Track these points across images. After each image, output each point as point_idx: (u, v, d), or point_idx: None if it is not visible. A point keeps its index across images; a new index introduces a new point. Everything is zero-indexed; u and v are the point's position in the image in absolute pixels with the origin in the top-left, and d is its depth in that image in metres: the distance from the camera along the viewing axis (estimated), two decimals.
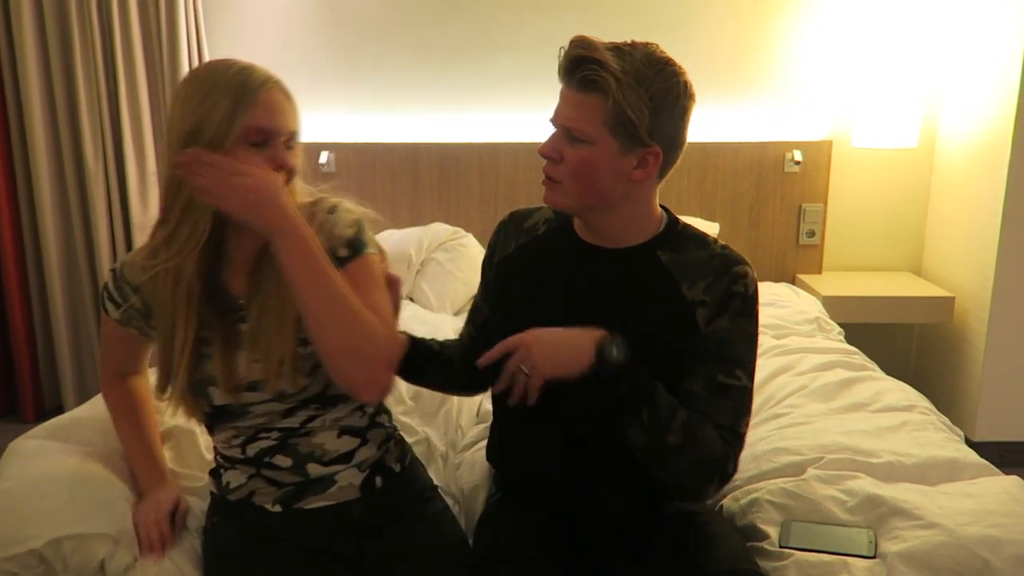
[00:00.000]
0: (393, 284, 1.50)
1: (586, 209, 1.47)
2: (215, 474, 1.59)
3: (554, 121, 1.43)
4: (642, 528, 1.55)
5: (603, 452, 1.50)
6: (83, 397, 3.37)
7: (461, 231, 3.29)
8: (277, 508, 1.52)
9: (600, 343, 1.34)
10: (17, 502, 1.50)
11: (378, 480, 1.58)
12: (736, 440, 1.45)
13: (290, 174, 1.40)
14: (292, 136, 1.41)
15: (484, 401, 2.26)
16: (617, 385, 1.36)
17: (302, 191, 1.50)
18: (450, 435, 2.10)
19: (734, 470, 1.46)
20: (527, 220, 1.63)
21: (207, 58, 3.33)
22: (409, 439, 2.00)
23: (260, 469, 1.52)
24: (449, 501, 1.81)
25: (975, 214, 3.20)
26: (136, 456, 1.63)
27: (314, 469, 1.52)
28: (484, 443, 1.80)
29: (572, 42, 1.38)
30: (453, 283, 3.11)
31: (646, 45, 1.39)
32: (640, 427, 1.37)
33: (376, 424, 1.61)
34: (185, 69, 3.25)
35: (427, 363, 1.59)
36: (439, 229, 3.27)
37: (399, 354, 1.46)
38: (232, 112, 1.32)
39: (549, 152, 1.43)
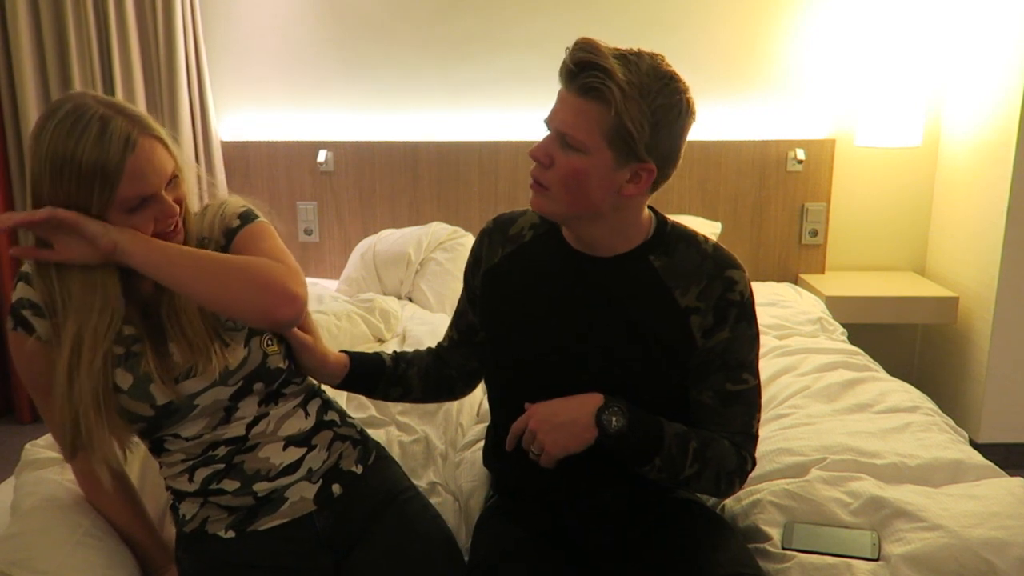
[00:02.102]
0: None
1: (573, 218, 1.43)
2: (173, 508, 1.55)
3: (549, 123, 1.38)
4: (641, 531, 1.54)
5: (601, 457, 1.49)
6: None
7: (460, 230, 3.27)
8: (231, 534, 1.47)
9: (598, 416, 1.38)
10: (44, 536, 1.47)
11: (335, 488, 1.53)
12: (750, 441, 1.50)
13: (180, 205, 1.39)
14: (172, 176, 1.36)
15: (484, 400, 2.24)
16: (624, 449, 1.40)
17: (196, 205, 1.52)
18: (450, 434, 2.09)
19: (752, 466, 1.51)
20: (512, 226, 1.60)
21: (204, 59, 3.32)
22: (407, 438, 2.01)
23: (208, 497, 1.47)
24: (448, 500, 1.81)
25: (979, 213, 3.18)
26: (141, 538, 1.54)
27: (261, 487, 1.47)
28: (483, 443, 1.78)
29: (577, 44, 1.33)
30: (452, 283, 3.09)
31: (652, 56, 1.34)
32: (655, 470, 1.42)
33: (324, 424, 1.57)
34: (182, 69, 3.24)
35: (374, 381, 1.63)
36: (438, 229, 3.24)
37: (299, 273, 1.42)
38: (100, 193, 1.27)
39: (540, 156, 1.38)
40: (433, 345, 1.75)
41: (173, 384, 1.39)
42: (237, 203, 1.51)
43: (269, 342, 1.47)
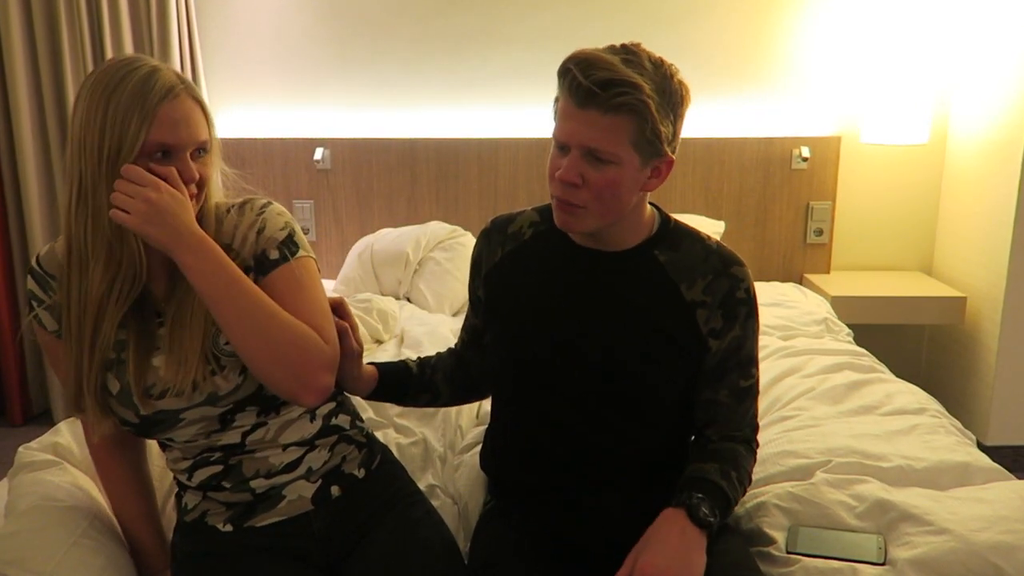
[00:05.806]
0: (339, 307, 1.49)
1: (606, 227, 1.44)
2: (177, 496, 1.55)
3: (567, 142, 1.36)
4: (639, 532, 1.50)
5: (600, 460, 1.49)
6: None
7: (460, 229, 3.25)
8: (228, 528, 1.47)
9: (694, 518, 1.35)
10: (40, 536, 1.45)
11: (334, 490, 1.51)
12: (755, 432, 1.57)
13: (200, 185, 1.34)
14: (202, 146, 1.33)
15: (484, 403, 2.22)
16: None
17: (222, 192, 1.46)
18: (449, 436, 2.07)
19: (757, 446, 1.58)
20: (511, 225, 1.60)
21: (199, 54, 3.32)
22: (405, 440, 2.00)
23: (207, 492, 1.48)
24: (448, 502, 1.80)
25: (987, 212, 3.16)
26: (144, 536, 1.53)
27: (259, 484, 1.46)
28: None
29: (582, 62, 1.31)
30: (452, 283, 3.07)
31: (639, 49, 1.35)
32: (724, 518, 1.45)
33: (330, 429, 1.53)
34: (177, 65, 3.23)
35: (403, 390, 1.64)
36: (437, 228, 3.23)
37: (335, 355, 1.38)
38: (136, 129, 1.25)
39: (573, 178, 1.36)
40: (432, 345, 1.76)
41: (150, 400, 1.37)
42: (278, 222, 1.42)
43: None
